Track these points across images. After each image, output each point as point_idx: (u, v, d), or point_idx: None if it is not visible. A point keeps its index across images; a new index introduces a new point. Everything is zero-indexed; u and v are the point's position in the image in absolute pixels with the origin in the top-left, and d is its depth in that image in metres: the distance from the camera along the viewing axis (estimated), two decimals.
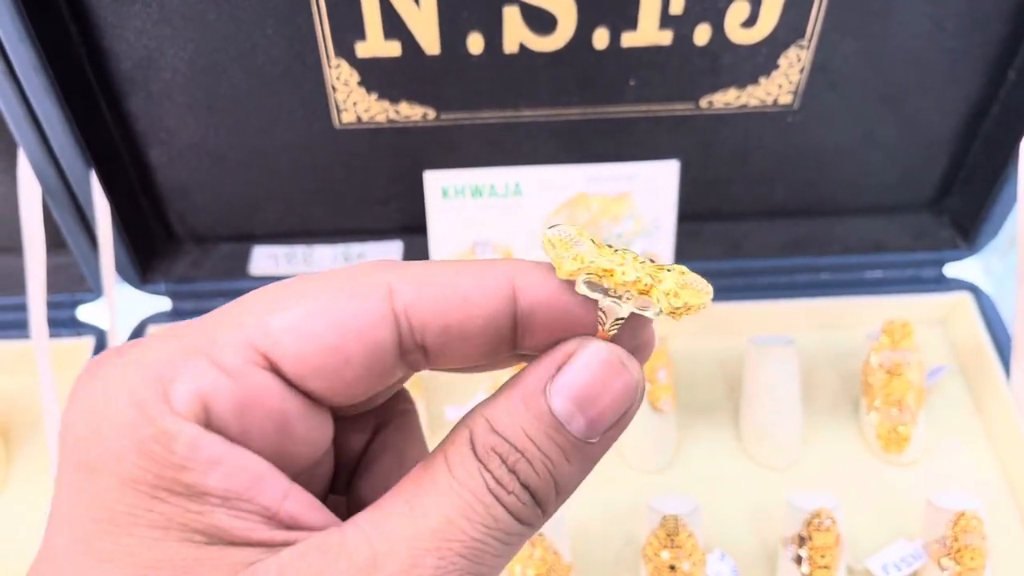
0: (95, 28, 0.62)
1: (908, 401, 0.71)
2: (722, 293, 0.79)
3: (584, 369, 0.23)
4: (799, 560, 0.62)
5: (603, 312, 0.24)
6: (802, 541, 0.62)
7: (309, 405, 0.23)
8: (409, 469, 0.24)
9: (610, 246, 0.25)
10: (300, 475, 0.24)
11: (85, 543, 0.21)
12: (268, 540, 0.21)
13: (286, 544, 0.21)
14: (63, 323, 0.77)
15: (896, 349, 0.73)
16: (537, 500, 0.23)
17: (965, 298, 0.79)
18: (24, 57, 0.59)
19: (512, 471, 0.23)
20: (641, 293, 0.24)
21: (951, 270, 0.81)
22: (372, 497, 0.24)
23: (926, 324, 0.80)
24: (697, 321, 0.79)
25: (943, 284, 0.80)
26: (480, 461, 0.23)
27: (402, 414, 0.29)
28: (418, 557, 0.21)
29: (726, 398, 0.77)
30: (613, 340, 0.24)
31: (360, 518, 0.22)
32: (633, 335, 0.25)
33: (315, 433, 0.24)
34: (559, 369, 0.24)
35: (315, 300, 0.22)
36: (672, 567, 0.61)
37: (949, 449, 0.73)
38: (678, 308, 0.24)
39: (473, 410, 0.24)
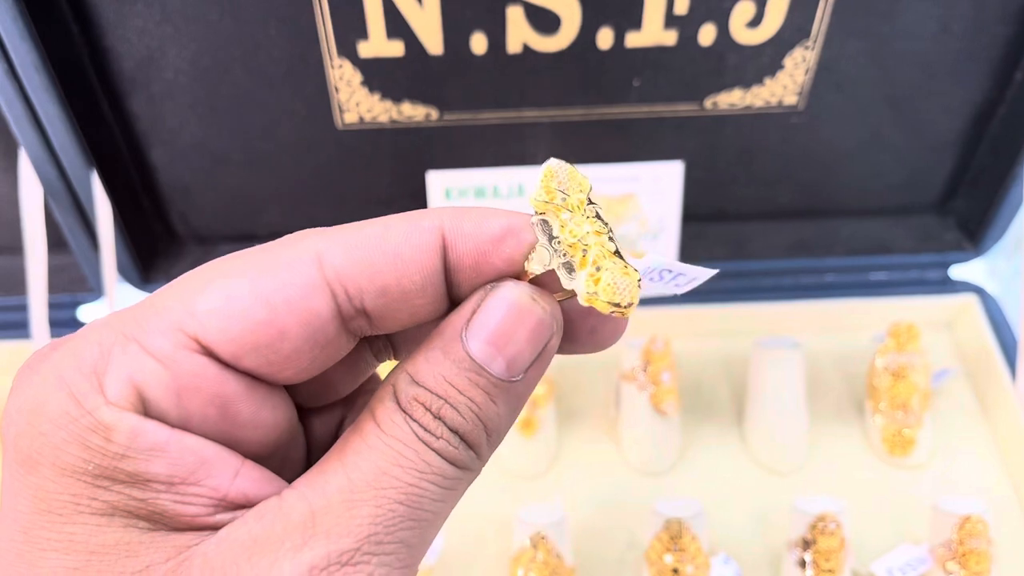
0: (96, 27, 0.61)
1: (913, 404, 0.71)
2: (727, 295, 0.79)
3: (495, 310, 0.23)
4: (804, 564, 0.62)
5: (533, 254, 0.24)
6: (807, 545, 0.62)
7: (254, 386, 0.23)
8: None
9: (599, 217, 0.24)
10: (268, 461, 0.24)
11: (28, 534, 0.21)
12: (214, 524, 0.21)
13: (230, 523, 0.22)
14: (64, 323, 0.77)
15: (902, 352, 0.72)
16: (468, 443, 0.23)
17: (971, 300, 0.79)
18: (25, 56, 0.59)
19: (438, 417, 0.23)
20: (579, 264, 0.24)
21: (957, 272, 0.80)
22: None
23: (932, 326, 0.80)
24: (702, 322, 0.79)
25: (949, 286, 0.80)
26: (405, 412, 0.23)
27: (370, 393, 0.29)
28: (355, 507, 0.21)
29: (730, 400, 0.76)
30: (535, 284, 0.24)
31: (298, 482, 0.22)
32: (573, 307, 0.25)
33: (264, 415, 0.23)
34: (474, 314, 0.24)
35: (240, 277, 0.22)
36: (675, 570, 0.61)
37: (955, 452, 0.72)
38: (592, 295, 0.23)
39: (396, 367, 0.24)
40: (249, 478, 0.22)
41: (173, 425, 0.21)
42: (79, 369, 0.21)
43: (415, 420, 0.23)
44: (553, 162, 0.24)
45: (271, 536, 0.21)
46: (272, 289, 0.22)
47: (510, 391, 0.24)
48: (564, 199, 0.24)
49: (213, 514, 0.21)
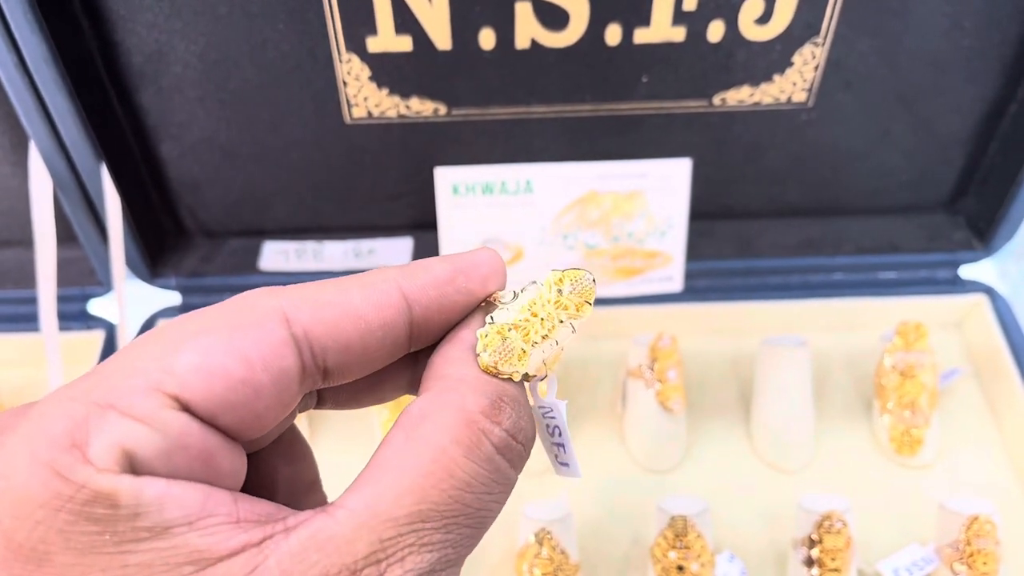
0: (106, 22, 0.62)
1: (921, 403, 0.70)
2: (734, 293, 0.79)
3: None
4: (809, 562, 0.62)
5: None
6: (813, 543, 0.62)
7: (226, 440, 0.23)
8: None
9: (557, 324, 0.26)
10: None
11: None
12: (246, 543, 0.21)
13: (267, 537, 0.21)
14: (73, 317, 0.77)
15: (910, 351, 0.72)
16: (527, 448, 0.25)
17: (980, 300, 0.78)
18: (36, 50, 0.59)
19: (518, 421, 0.24)
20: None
21: (966, 272, 0.80)
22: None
23: (940, 326, 0.79)
24: (709, 320, 0.79)
25: (958, 286, 0.79)
26: (482, 420, 0.23)
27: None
28: (426, 536, 0.22)
29: (737, 398, 0.76)
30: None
31: (351, 500, 0.22)
32: None
33: (238, 465, 0.23)
34: None
35: (214, 335, 0.22)
36: (680, 567, 0.61)
37: (963, 452, 0.72)
38: (484, 335, 0.26)
39: (442, 376, 0.25)
40: (247, 501, 0.22)
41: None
42: (55, 445, 0.20)
43: (492, 432, 0.23)
44: (579, 275, 0.26)
45: (344, 569, 0.21)
46: (247, 347, 0.22)
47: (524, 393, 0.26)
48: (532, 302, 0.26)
49: (241, 535, 0.21)
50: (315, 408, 0.28)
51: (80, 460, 0.20)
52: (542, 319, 0.25)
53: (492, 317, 0.25)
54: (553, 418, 0.28)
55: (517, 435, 0.24)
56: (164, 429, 0.21)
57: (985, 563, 0.60)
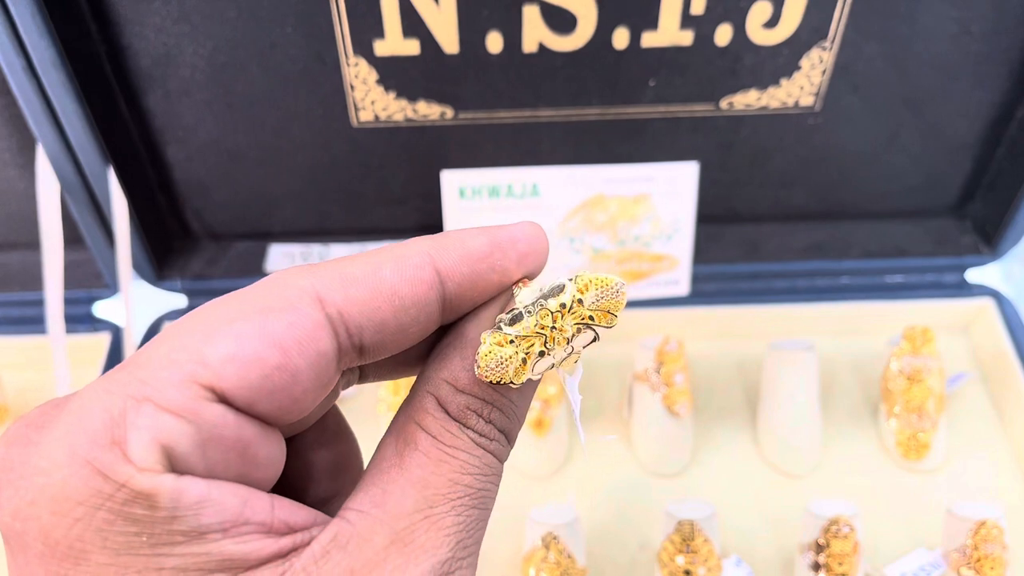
0: (114, 25, 0.62)
1: (928, 408, 0.70)
2: (741, 297, 0.78)
3: None
4: (816, 567, 0.62)
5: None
6: (819, 548, 0.62)
7: (263, 428, 0.22)
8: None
9: (570, 342, 0.25)
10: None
11: None
12: (277, 551, 0.21)
13: (294, 549, 0.22)
14: (80, 319, 0.77)
15: (917, 355, 0.72)
16: (509, 439, 0.26)
17: (987, 304, 0.78)
18: (44, 53, 0.60)
19: (489, 421, 0.25)
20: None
21: (973, 276, 0.80)
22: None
23: (947, 330, 0.79)
24: (716, 324, 0.79)
25: (965, 290, 0.79)
26: (458, 421, 0.24)
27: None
28: (438, 520, 0.23)
29: (744, 402, 0.76)
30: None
31: (358, 503, 0.23)
32: None
33: (274, 454, 0.23)
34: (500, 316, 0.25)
35: (247, 321, 0.22)
36: (687, 572, 0.60)
37: (970, 457, 0.72)
38: (482, 353, 0.24)
39: (426, 378, 0.25)
40: (283, 507, 0.22)
41: (201, 476, 0.21)
42: (94, 441, 0.20)
43: (470, 427, 0.24)
44: (606, 284, 0.25)
45: (368, 563, 0.22)
46: (281, 331, 0.22)
47: (531, 387, 0.26)
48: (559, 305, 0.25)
49: (273, 543, 0.21)
50: (358, 383, 0.28)
51: (121, 458, 0.20)
52: (552, 329, 0.24)
53: (503, 321, 0.24)
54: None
55: (487, 434, 0.25)
56: (199, 421, 0.20)
57: (992, 568, 0.60)
